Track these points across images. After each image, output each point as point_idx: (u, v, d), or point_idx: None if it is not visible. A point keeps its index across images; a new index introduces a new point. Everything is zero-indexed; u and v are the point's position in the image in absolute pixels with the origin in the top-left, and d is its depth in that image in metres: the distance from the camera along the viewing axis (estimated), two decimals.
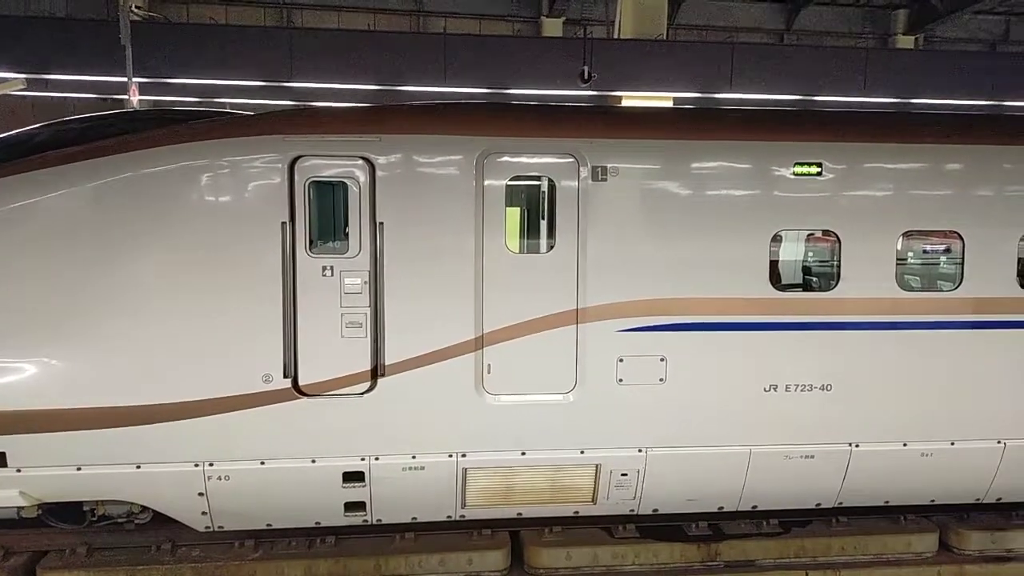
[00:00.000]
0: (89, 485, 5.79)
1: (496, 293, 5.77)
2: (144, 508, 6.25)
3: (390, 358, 5.73)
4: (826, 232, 6.18)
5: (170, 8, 22.64)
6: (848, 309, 6.09)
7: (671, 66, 17.73)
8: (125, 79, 14.41)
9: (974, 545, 6.99)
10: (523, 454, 6.05)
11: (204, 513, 5.94)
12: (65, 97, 16.84)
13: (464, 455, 5.99)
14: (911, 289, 6.37)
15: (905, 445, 6.36)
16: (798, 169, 5.96)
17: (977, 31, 26.85)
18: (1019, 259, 6.27)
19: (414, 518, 6.30)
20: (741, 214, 5.94)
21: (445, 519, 6.33)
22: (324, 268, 5.64)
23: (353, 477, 5.94)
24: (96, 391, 5.53)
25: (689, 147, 5.92)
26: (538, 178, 5.96)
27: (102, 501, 6.20)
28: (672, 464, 6.20)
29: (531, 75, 17.32)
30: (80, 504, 6.21)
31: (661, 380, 5.99)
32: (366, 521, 6.19)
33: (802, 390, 6.13)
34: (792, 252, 6.90)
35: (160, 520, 6.30)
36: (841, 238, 6.03)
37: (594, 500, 6.32)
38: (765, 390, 6.11)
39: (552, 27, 24.24)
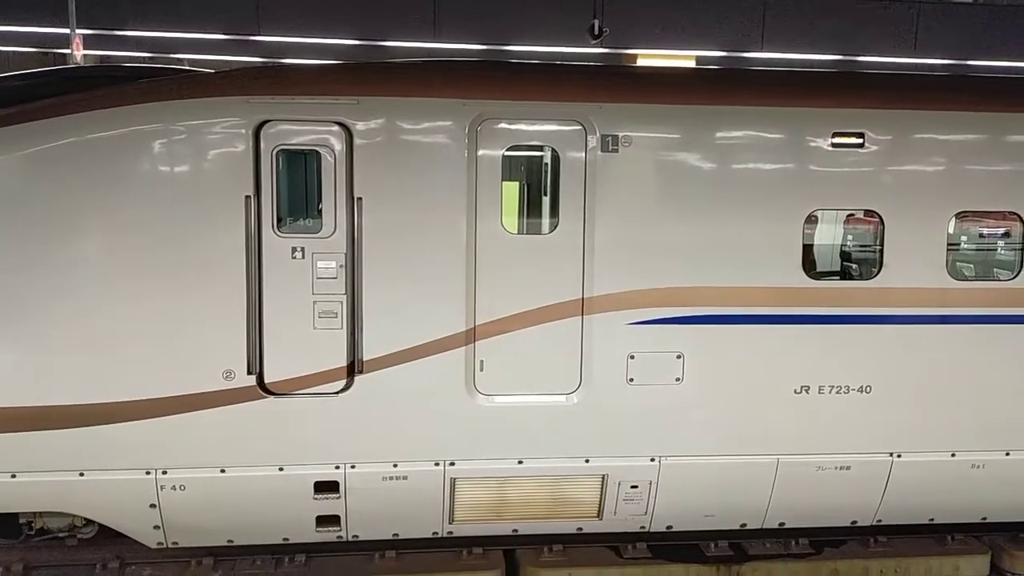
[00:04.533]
0: (26, 495, 5.81)
1: (491, 279, 5.77)
2: (88, 521, 6.26)
3: (369, 353, 5.74)
4: (868, 212, 6.19)
5: None
6: (891, 300, 6.10)
7: (694, 21, 17.65)
8: (67, 30, 14.32)
9: None
10: (520, 463, 6.08)
11: (156, 527, 5.96)
12: None
13: (453, 463, 6.01)
14: (964, 278, 6.39)
15: (953, 455, 6.39)
16: (837, 140, 5.95)
17: None
18: None
19: (396, 534, 6.33)
20: (770, 191, 5.94)
21: (431, 536, 6.36)
22: (294, 249, 5.63)
23: (326, 487, 5.96)
24: (33, 388, 5.53)
25: (712, 113, 5.90)
26: (540, 148, 5.96)
27: (41, 513, 6.20)
28: (689, 475, 6.23)
29: (533, 30, 17.22)
30: (16, 516, 6.22)
31: (677, 380, 6.00)
32: (341, 537, 6.22)
33: (837, 392, 6.15)
34: (829, 235, 6.90)
35: (107, 535, 6.32)
36: (885, 219, 6.04)
37: (600, 515, 6.36)
38: (795, 392, 6.12)
39: None
